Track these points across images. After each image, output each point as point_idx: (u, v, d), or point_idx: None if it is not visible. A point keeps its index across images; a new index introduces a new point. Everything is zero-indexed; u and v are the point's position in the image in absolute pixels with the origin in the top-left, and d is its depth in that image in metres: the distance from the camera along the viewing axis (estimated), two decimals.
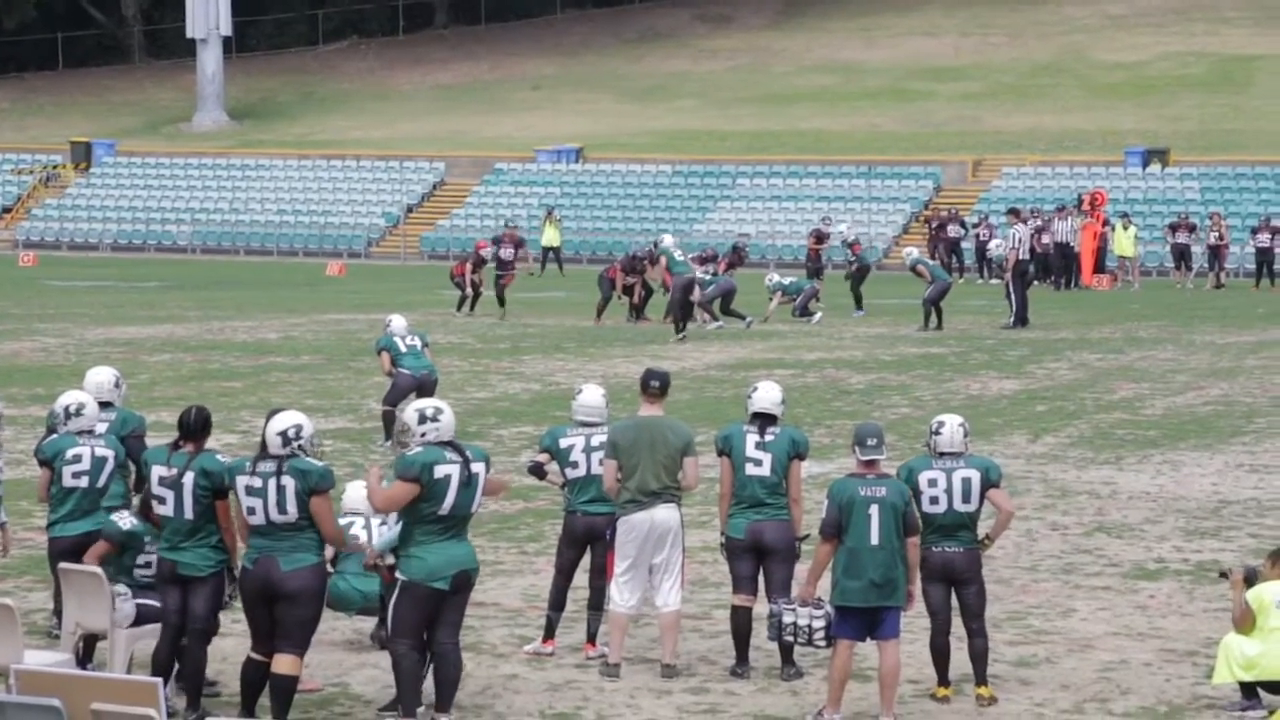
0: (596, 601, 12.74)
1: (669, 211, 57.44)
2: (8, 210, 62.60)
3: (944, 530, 11.67)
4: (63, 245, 59.71)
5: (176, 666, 11.28)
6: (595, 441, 12.55)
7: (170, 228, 60.24)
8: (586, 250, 54.64)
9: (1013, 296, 34.91)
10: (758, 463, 12.27)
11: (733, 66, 73.15)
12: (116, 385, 13.32)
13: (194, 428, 11.25)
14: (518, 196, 59.23)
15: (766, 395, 12.45)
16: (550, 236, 51.06)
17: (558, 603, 12.77)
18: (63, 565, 11.94)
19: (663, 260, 33.54)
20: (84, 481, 12.29)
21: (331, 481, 10.86)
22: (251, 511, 10.76)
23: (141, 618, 11.61)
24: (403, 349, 21.27)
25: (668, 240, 34.81)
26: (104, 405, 12.93)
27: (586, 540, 12.69)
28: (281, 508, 10.71)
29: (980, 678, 11.86)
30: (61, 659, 11.17)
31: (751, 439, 12.33)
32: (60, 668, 10.43)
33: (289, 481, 10.71)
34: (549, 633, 12.81)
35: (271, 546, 10.74)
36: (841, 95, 68.54)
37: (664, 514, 12.19)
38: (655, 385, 12.42)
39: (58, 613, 12.46)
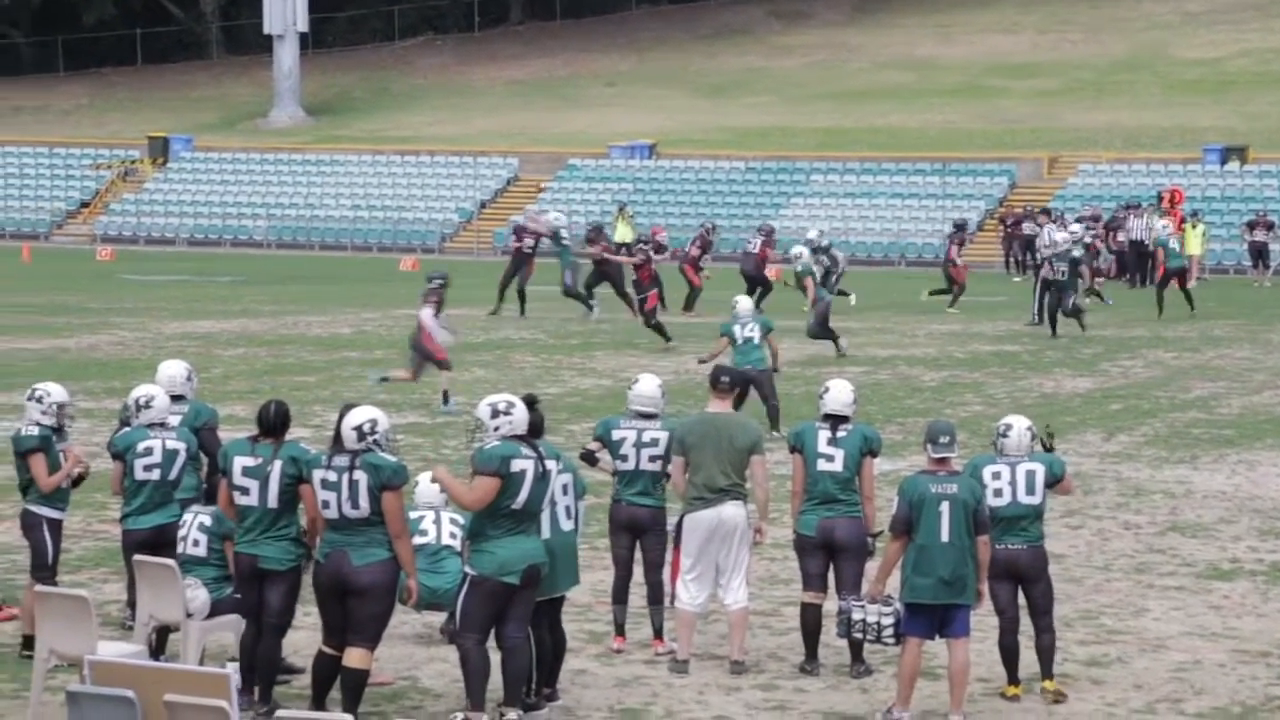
0: (654, 596, 12.77)
1: (742, 208, 57.36)
2: (86, 205, 63.09)
3: (1008, 524, 11.63)
4: (140, 240, 60.13)
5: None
6: (647, 437, 12.55)
7: (246, 223, 60.58)
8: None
9: (1036, 296, 34.24)
10: (830, 458, 12.26)
11: (807, 63, 72.95)
12: (188, 378, 13.40)
13: (274, 423, 11.32)
14: (591, 192, 59.27)
15: (838, 396, 12.45)
16: (623, 233, 51.05)
17: (619, 595, 12.80)
18: (137, 557, 12.03)
19: (809, 282, 29.69)
20: (156, 474, 12.38)
21: (405, 478, 10.89)
22: (326, 505, 10.81)
23: (215, 609, 11.70)
24: (739, 339, 21.20)
25: (808, 257, 30.34)
26: (176, 398, 13.02)
27: (630, 529, 12.70)
28: (354, 503, 10.75)
29: (1046, 672, 11.84)
30: (135, 650, 11.25)
31: (823, 435, 12.33)
32: (134, 659, 10.51)
33: (362, 476, 10.75)
34: (619, 629, 12.83)
35: (344, 541, 10.79)
36: (917, 92, 68.25)
37: (731, 511, 12.19)
38: (725, 382, 12.44)
39: (131, 604, 12.56)
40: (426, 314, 23.53)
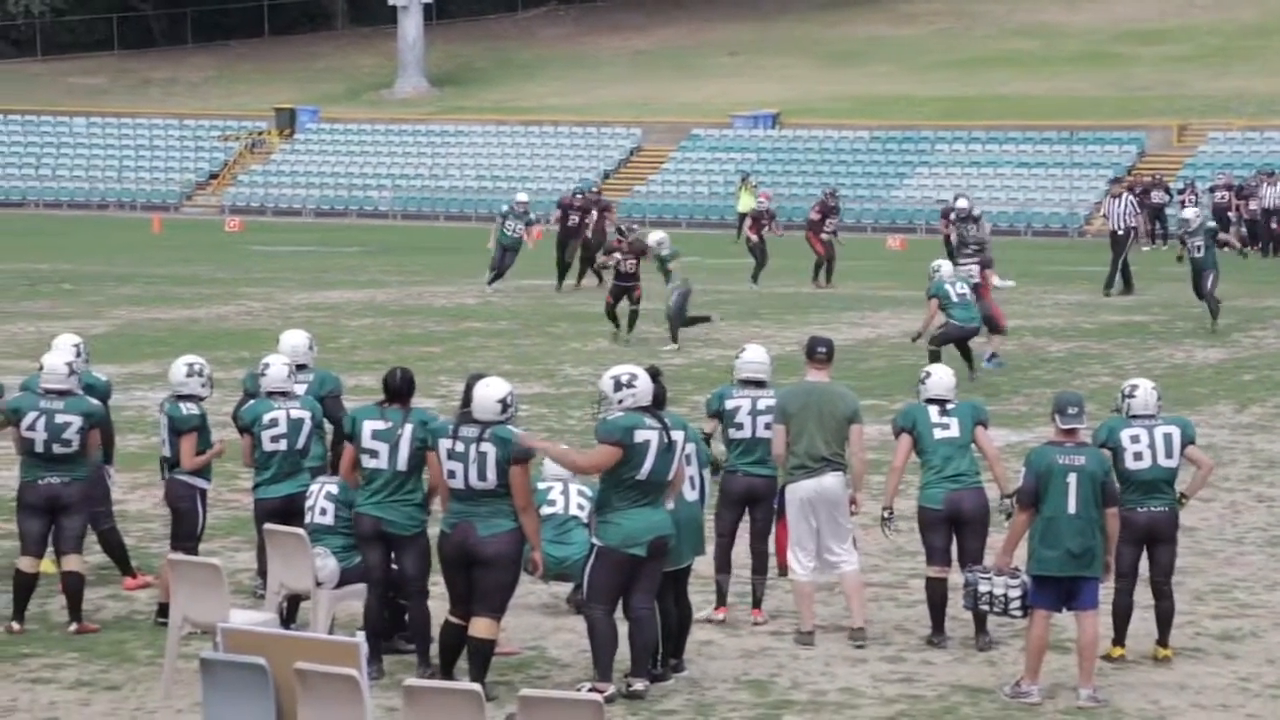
0: (759, 565, 12.77)
1: (866, 178, 57.05)
2: (215, 176, 63.74)
3: (1146, 488, 11.63)
4: (267, 211, 60.67)
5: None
6: (762, 405, 12.57)
7: (371, 193, 60.98)
8: (782, 217, 54.44)
9: (1121, 265, 33.63)
10: (945, 426, 12.31)
11: (931, 31, 72.38)
12: (310, 347, 13.55)
13: (400, 388, 11.41)
14: (714, 162, 59.17)
15: (942, 380, 12.52)
16: (745, 202, 51.02)
17: (723, 565, 12.77)
18: (267, 526, 12.16)
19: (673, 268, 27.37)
20: (283, 444, 12.51)
21: (533, 452, 10.94)
22: (452, 475, 10.86)
23: (344, 578, 11.80)
24: (953, 298, 21.96)
25: (669, 245, 27.77)
26: (300, 368, 13.15)
27: (745, 501, 12.68)
28: (481, 474, 10.80)
29: (1163, 639, 11.86)
30: (266, 618, 11.37)
31: (934, 409, 12.39)
32: (265, 627, 10.62)
33: (489, 448, 10.80)
34: (721, 599, 12.81)
35: (469, 512, 10.85)
36: (1042, 59, 67.55)
37: (831, 481, 12.17)
38: (822, 352, 12.47)
39: (262, 573, 12.70)
40: (998, 279, 23.81)
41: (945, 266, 22.78)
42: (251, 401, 12.76)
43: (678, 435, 11.03)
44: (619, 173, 60.92)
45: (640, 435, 10.87)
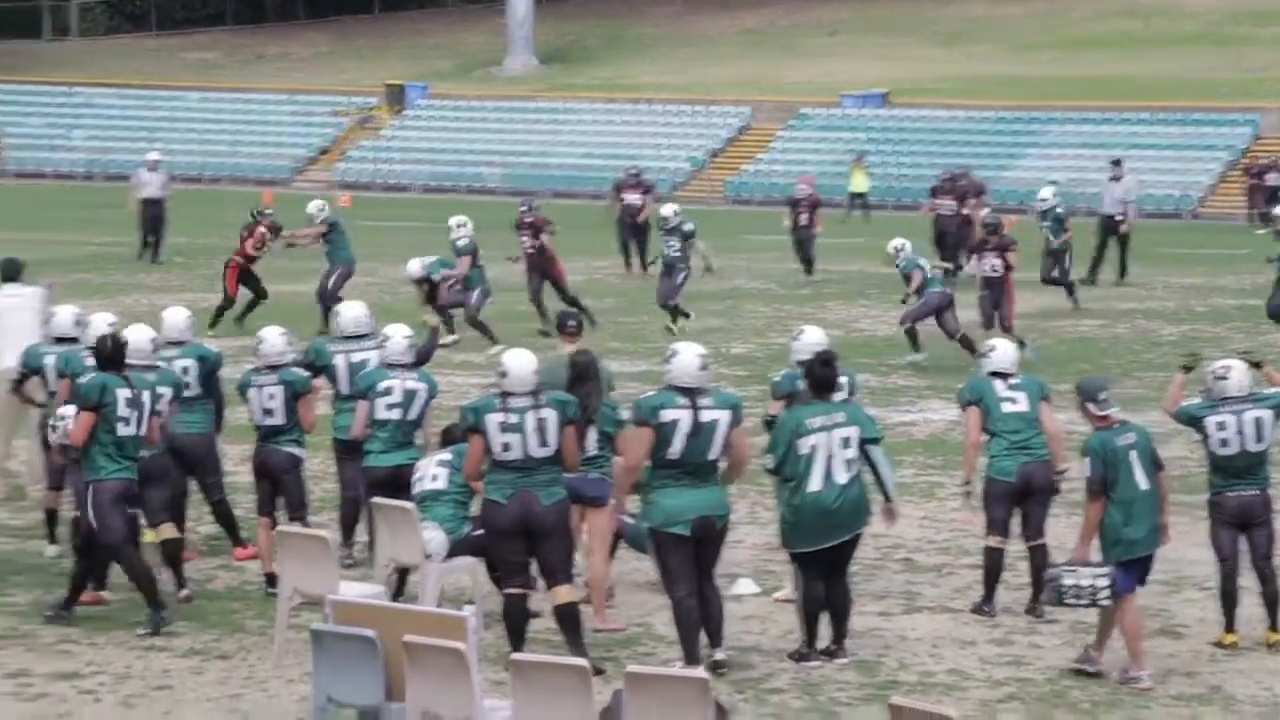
0: None
1: (977, 159, 56.55)
2: (325, 152, 64.12)
3: (1235, 472, 11.53)
4: (375, 186, 60.98)
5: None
6: (842, 380, 12.52)
7: (479, 170, 61.16)
8: (892, 197, 54.17)
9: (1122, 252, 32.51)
10: (1013, 400, 12.37)
11: (1035, 9, 71.70)
12: (371, 316, 13.93)
13: (112, 356, 11.79)
14: (823, 142, 58.91)
15: (1005, 355, 12.56)
16: (858, 182, 50.87)
17: None
18: (375, 500, 12.22)
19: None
20: (396, 414, 12.63)
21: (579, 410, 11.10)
22: (507, 448, 10.82)
23: (452, 550, 11.86)
24: (929, 272, 23.32)
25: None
26: (360, 337, 13.57)
27: None
28: (543, 440, 10.81)
29: (1274, 624, 11.76)
30: (375, 591, 11.44)
31: (999, 384, 12.43)
32: (373, 599, 10.69)
33: (550, 414, 10.82)
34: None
35: (528, 482, 10.82)
36: (1153, 39, 66.79)
37: None
38: (572, 325, 13.15)
39: (370, 543, 12.79)
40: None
41: (909, 244, 23.79)
42: (370, 368, 12.96)
43: (712, 415, 10.82)
44: (726, 151, 60.81)
45: (667, 414, 10.79)
